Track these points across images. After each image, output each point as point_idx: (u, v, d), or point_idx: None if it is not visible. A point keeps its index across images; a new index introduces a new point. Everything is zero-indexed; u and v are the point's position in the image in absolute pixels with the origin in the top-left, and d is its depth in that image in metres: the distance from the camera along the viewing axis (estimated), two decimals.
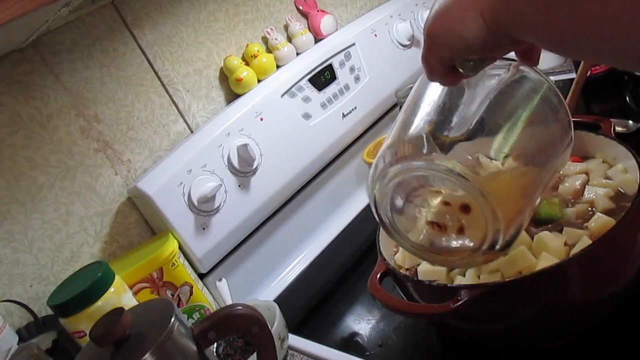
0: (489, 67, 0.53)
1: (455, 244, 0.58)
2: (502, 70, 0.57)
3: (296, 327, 0.89)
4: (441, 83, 0.52)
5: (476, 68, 0.47)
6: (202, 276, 0.97)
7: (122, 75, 0.99)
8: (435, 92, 0.57)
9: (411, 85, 0.62)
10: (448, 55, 0.46)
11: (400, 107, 0.61)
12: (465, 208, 0.54)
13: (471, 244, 0.56)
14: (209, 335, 0.55)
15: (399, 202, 0.58)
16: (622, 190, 0.67)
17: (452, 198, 0.55)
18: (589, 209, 0.67)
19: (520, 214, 0.54)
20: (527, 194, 0.56)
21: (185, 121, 1.07)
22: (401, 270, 0.72)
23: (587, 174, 0.73)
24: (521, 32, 0.39)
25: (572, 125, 0.60)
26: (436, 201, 0.57)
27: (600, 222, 0.63)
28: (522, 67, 0.57)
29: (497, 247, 0.54)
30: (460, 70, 0.47)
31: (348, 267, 1.03)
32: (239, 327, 0.57)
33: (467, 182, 0.51)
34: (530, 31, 0.38)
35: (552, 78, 0.58)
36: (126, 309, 0.54)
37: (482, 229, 0.54)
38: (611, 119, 0.80)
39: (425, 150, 0.53)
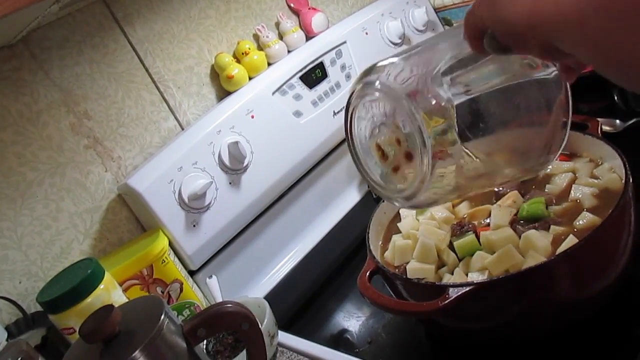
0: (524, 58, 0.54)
1: (381, 174, 0.61)
2: (537, 66, 0.56)
3: (286, 324, 0.89)
4: (469, 43, 0.49)
5: (497, 50, 0.45)
6: (192, 273, 0.97)
7: (113, 72, 0.99)
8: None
9: None
10: (482, 21, 0.44)
11: None
12: (409, 156, 0.56)
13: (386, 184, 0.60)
14: (199, 332, 0.56)
15: (366, 112, 0.60)
16: (608, 189, 0.68)
17: (404, 141, 0.56)
18: (576, 207, 0.68)
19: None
20: (461, 187, 0.58)
21: (176, 118, 1.07)
22: (390, 269, 0.73)
23: (573, 172, 0.74)
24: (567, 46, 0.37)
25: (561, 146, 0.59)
26: (391, 133, 0.58)
27: (587, 220, 0.64)
28: (555, 73, 0.56)
29: (397, 202, 0.58)
30: (485, 44, 0.45)
31: (338, 264, 1.03)
32: (228, 324, 0.58)
33: (423, 143, 0.52)
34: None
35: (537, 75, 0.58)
36: (116, 305, 0.54)
37: (406, 184, 0.57)
38: (598, 119, 0.81)
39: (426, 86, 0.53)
